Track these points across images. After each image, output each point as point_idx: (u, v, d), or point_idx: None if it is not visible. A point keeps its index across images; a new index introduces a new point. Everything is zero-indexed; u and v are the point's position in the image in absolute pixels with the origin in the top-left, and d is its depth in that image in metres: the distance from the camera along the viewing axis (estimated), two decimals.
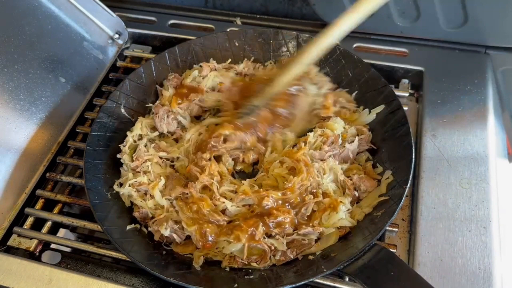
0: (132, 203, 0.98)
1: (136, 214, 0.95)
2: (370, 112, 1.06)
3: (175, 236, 0.90)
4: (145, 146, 1.04)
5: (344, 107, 1.09)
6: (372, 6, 0.87)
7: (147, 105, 1.14)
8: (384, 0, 0.86)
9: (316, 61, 1.18)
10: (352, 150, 1.00)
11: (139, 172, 0.99)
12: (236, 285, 0.82)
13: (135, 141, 1.06)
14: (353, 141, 1.01)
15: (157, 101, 1.14)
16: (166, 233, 0.89)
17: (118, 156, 1.03)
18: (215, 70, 1.18)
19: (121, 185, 0.99)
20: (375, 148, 1.02)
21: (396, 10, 1.22)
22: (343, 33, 0.92)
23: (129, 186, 0.97)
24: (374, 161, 1.01)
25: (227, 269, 0.87)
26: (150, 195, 0.96)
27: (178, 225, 0.91)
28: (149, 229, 0.93)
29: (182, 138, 1.07)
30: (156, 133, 1.08)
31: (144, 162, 1.00)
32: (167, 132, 1.09)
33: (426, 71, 1.20)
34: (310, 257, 0.86)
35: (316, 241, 0.88)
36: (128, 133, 1.07)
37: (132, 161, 1.01)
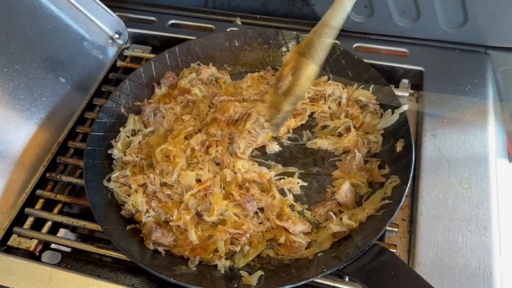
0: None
1: (123, 212, 0.95)
2: (393, 112, 1.02)
3: (163, 243, 0.90)
4: (139, 143, 1.05)
5: (366, 105, 1.07)
6: None
7: (135, 103, 1.14)
8: None
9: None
10: (357, 163, 0.99)
11: (127, 166, 1.01)
12: (236, 286, 0.82)
13: (128, 137, 1.07)
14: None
15: (145, 100, 1.15)
16: (151, 247, 0.90)
17: (109, 152, 1.03)
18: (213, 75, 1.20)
19: (109, 180, 1.00)
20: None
21: (396, 10, 1.22)
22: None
23: (114, 181, 0.98)
24: (381, 161, 1.00)
25: (223, 271, 0.87)
26: (135, 191, 0.96)
27: (161, 229, 0.91)
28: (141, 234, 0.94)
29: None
30: (150, 129, 1.08)
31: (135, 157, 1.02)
32: (155, 129, 1.10)
33: (426, 71, 1.20)
34: (310, 257, 0.86)
35: (307, 247, 0.89)
36: (121, 129, 1.08)
37: (125, 155, 1.02)
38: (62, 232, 1.04)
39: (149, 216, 0.94)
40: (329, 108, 1.10)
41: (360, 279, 0.76)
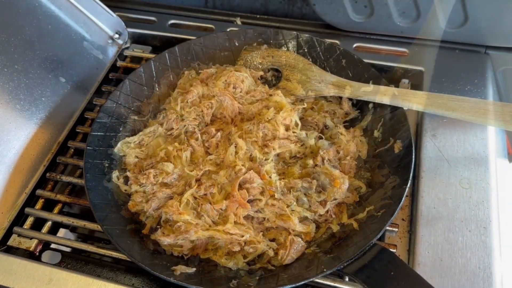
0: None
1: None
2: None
3: (163, 243, 0.90)
4: (139, 143, 1.06)
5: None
6: None
7: (135, 103, 1.14)
8: None
9: (316, 61, 1.20)
10: (357, 163, 1.01)
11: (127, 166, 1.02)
12: (236, 285, 0.82)
13: (128, 137, 1.08)
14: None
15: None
16: (151, 247, 0.90)
17: (109, 152, 1.04)
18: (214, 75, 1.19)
19: (109, 180, 1.00)
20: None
21: (396, 10, 1.22)
22: None
23: (114, 181, 0.99)
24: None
25: (223, 271, 0.87)
26: (135, 191, 0.97)
27: (161, 229, 0.91)
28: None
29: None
30: (151, 129, 1.09)
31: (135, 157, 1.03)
32: (155, 129, 1.09)
33: (426, 71, 1.20)
34: (310, 257, 0.86)
35: (307, 247, 0.89)
36: (121, 129, 1.09)
37: (125, 155, 1.03)
38: (62, 232, 1.04)
39: (149, 216, 0.94)
40: (329, 108, 1.10)
41: (360, 279, 0.76)
